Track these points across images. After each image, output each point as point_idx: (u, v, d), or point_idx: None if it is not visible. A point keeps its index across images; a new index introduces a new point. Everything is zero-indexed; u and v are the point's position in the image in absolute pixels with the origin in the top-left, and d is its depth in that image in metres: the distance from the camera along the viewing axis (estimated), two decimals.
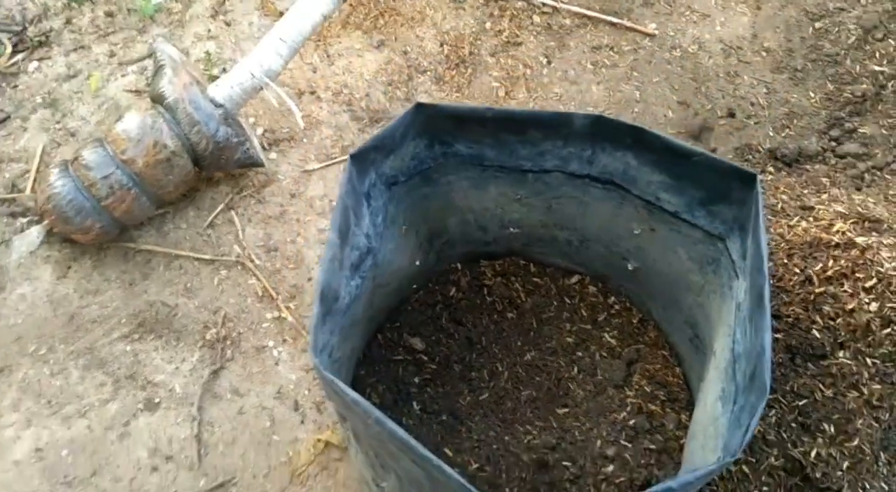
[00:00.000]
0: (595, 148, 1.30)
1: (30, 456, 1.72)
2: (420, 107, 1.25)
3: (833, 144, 2.04)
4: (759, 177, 1.15)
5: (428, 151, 1.36)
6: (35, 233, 1.87)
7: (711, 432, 1.18)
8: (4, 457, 1.71)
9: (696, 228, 1.31)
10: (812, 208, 1.60)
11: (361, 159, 1.22)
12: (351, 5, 2.41)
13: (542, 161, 1.36)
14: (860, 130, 2.06)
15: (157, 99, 1.88)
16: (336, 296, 1.14)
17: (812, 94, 2.19)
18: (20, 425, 1.76)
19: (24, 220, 1.99)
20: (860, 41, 2.23)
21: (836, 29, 2.27)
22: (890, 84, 2.12)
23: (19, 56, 2.39)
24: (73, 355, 1.84)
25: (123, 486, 1.68)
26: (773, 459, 1.57)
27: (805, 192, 1.76)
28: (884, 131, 2.04)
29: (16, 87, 2.31)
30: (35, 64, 2.36)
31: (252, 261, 1.94)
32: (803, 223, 1.56)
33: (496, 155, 1.36)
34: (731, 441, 1.02)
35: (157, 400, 1.78)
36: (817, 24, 2.29)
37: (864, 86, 2.14)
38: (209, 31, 2.37)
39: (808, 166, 1.99)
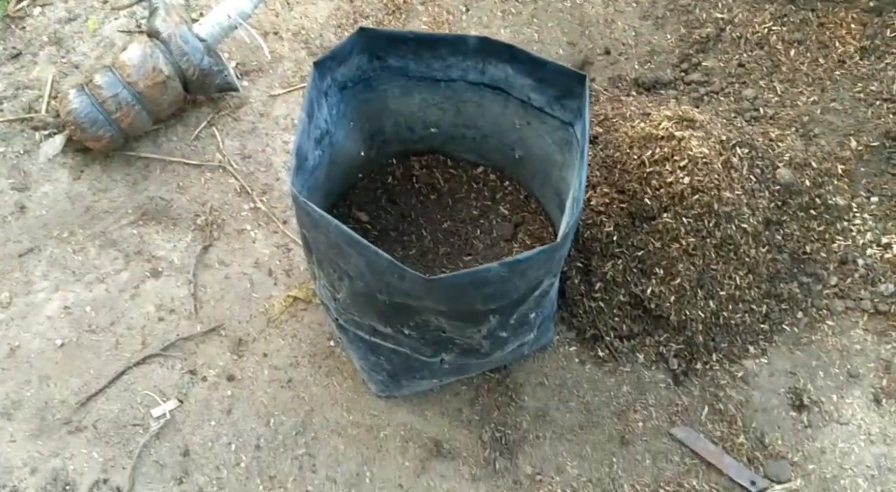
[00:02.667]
0: (484, 62, 1.76)
1: (59, 312, 2.06)
2: (362, 30, 1.70)
3: (683, 74, 2.46)
4: (588, 79, 1.66)
5: (368, 65, 1.80)
6: (59, 139, 2.23)
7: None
8: (39, 313, 2.06)
9: (555, 119, 1.77)
10: (649, 114, 2.10)
11: (321, 66, 1.67)
12: None
13: (450, 72, 1.81)
14: (703, 64, 2.46)
15: (154, 34, 2.20)
16: (306, 157, 1.62)
17: (669, 37, 2.55)
18: (50, 290, 2.10)
19: (45, 133, 2.31)
20: None
21: None
22: (727, 28, 2.50)
23: (24, 2, 2.62)
24: (91, 237, 2.18)
25: (137, 331, 2.05)
26: (621, 296, 2.03)
27: (650, 105, 2.28)
28: (721, 64, 2.46)
29: (24, 28, 2.55)
30: (38, 9, 2.60)
31: (231, 165, 2.31)
32: (642, 124, 2.05)
33: (416, 67, 1.80)
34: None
35: (160, 269, 2.14)
36: None
37: (709, 30, 2.51)
38: None
39: (662, 91, 2.43)
